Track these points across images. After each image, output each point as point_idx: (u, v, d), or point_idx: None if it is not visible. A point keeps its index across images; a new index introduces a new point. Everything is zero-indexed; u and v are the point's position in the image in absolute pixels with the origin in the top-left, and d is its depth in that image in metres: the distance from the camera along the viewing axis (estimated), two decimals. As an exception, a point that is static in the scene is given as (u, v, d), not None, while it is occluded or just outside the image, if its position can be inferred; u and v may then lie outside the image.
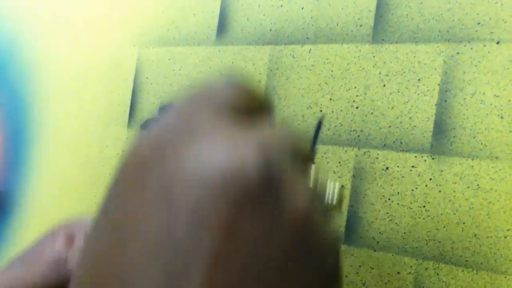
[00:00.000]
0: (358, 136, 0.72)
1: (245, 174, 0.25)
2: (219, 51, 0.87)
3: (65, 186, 1.02)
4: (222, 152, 0.25)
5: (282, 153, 0.28)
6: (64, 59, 1.07)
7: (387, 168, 0.70)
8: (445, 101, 0.67)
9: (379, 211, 0.70)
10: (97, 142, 0.99)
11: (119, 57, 0.99)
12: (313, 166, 0.34)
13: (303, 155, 0.31)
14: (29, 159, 1.08)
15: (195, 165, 0.25)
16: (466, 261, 0.63)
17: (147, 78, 0.95)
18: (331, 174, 0.73)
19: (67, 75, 1.06)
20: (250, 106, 0.32)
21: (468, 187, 0.64)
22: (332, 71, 0.76)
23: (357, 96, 0.73)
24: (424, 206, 0.67)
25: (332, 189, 0.35)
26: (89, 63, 1.03)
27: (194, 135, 0.26)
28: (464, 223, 0.64)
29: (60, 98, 1.06)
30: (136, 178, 0.26)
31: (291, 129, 0.31)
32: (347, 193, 0.72)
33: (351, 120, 0.73)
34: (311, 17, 0.79)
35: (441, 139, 0.67)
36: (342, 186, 0.35)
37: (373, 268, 0.69)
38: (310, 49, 0.78)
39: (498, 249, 0.62)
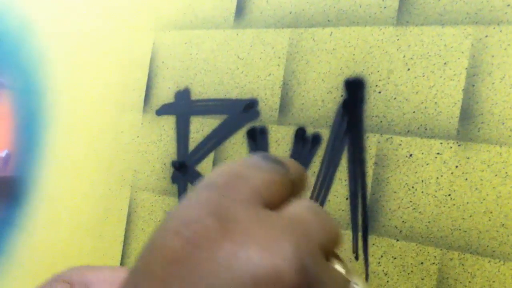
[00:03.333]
0: (381, 122, 0.70)
1: (282, 282, 0.23)
2: (237, 34, 0.85)
3: (78, 172, 1.00)
4: (256, 257, 0.23)
5: (316, 252, 0.26)
6: (78, 43, 1.06)
7: (410, 155, 0.68)
8: (473, 85, 0.65)
9: (402, 199, 0.67)
10: (112, 128, 0.98)
11: (135, 41, 0.97)
12: (337, 258, 0.33)
13: (332, 245, 0.29)
14: (42, 144, 1.06)
15: (226, 270, 0.23)
16: (493, 251, 0.61)
17: (163, 62, 0.93)
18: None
19: (81, 59, 1.04)
20: (286, 191, 0.30)
21: (496, 175, 0.62)
22: (354, 54, 0.74)
23: (380, 80, 0.71)
24: (449, 195, 0.64)
25: (356, 284, 0.33)
26: (104, 47, 1.02)
27: (227, 234, 0.24)
28: (491, 212, 0.62)
29: (74, 83, 1.05)
30: (162, 276, 0.24)
31: (323, 210, 0.29)
32: (369, 181, 0.70)
33: (374, 106, 0.71)
34: (333, -1, 0.76)
35: (468, 125, 0.64)
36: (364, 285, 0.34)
37: (395, 258, 0.67)
38: (331, 32, 0.76)
39: (527, 240, 0.59)
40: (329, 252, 0.29)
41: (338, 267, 0.32)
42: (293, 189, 0.31)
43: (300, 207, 0.29)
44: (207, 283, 0.23)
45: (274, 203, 0.29)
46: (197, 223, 0.25)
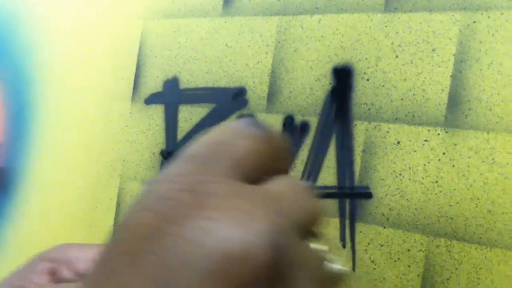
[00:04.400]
0: (369, 109, 0.70)
1: (251, 260, 0.22)
2: (226, 22, 0.84)
3: (68, 162, 1.00)
4: (230, 234, 0.23)
5: (291, 230, 0.26)
6: (67, 33, 1.05)
7: (398, 142, 0.67)
8: (460, 72, 0.64)
9: (390, 186, 0.67)
10: (101, 117, 0.97)
11: (124, 30, 0.97)
12: (316, 237, 0.32)
13: (311, 224, 0.29)
14: (32, 135, 1.06)
15: (199, 247, 0.22)
16: (480, 238, 0.61)
17: (151, 51, 0.92)
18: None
19: (70, 49, 1.04)
20: (268, 161, 0.29)
21: (483, 161, 0.62)
22: (342, 42, 0.73)
23: (368, 68, 0.71)
24: (436, 182, 0.64)
25: (334, 263, 0.33)
26: (93, 36, 1.01)
27: (202, 210, 0.24)
28: (478, 199, 0.61)
29: (63, 73, 1.04)
30: (134, 252, 0.23)
31: (306, 184, 0.29)
32: (357, 168, 0.70)
33: (362, 93, 0.70)
34: (321, -14, 0.76)
35: (456, 111, 0.64)
36: (344, 265, 0.33)
37: (382, 246, 0.67)
38: (320, 19, 0.75)
39: (514, 226, 0.59)
40: (308, 231, 0.29)
41: (317, 247, 0.31)
42: (276, 160, 0.30)
43: (281, 184, 0.28)
44: (179, 260, 0.23)
45: (255, 175, 0.28)
46: (171, 199, 0.24)
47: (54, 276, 0.47)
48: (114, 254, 0.24)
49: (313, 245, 0.30)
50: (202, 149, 0.28)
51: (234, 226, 0.23)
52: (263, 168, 0.29)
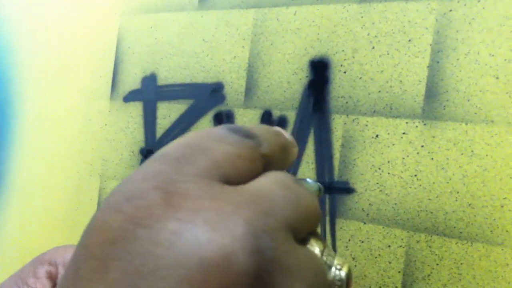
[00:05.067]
0: (347, 102, 0.68)
1: (230, 266, 0.20)
2: (202, 16, 0.82)
3: (49, 163, 0.98)
4: (204, 238, 0.21)
5: (278, 231, 0.23)
6: (44, 31, 1.03)
7: (377, 136, 0.66)
8: (437, 62, 0.63)
9: (369, 181, 0.66)
10: (81, 116, 0.95)
11: (101, 26, 0.95)
12: (317, 240, 0.29)
13: (307, 225, 0.26)
14: (11, 134, 1.04)
15: (169, 252, 0.20)
16: (460, 232, 0.60)
17: (129, 47, 0.90)
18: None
19: (48, 46, 1.02)
20: (254, 166, 0.27)
21: (462, 153, 0.60)
22: (318, 34, 0.71)
23: (345, 60, 0.69)
24: (415, 175, 0.63)
25: (339, 269, 0.30)
26: (71, 33, 0.99)
27: (173, 211, 0.22)
28: (457, 192, 0.60)
29: (41, 72, 1.02)
30: (101, 257, 0.21)
31: (297, 187, 0.26)
32: (336, 163, 0.68)
33: (339, 86, 0.69)
34: (296, -23, 0.74)
35: (433, 103, 0.63)
36: (350, 270, 0.30)
37: (363, 242, 0.65)
38: (295, 11, 0.74)
39: (494, 219, 0.58)
40: (303, 233, 0.26)
41: (316, 249, 0.28)
42: (267, 164, 0.28)
43: (268, 180, 0.26)
44: (149, 267, 0.21)
45: (238, 179, 0.26)
46: (140, 199, 0.23)
47: (53, 280, 0.45)
48: (82, 259, 0.22)
49: (310, 248, 0.28)
50: (178, 149, 0.26)
51: (210, 228, 0.21)
52: (248, 171, 0.27)
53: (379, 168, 0.65)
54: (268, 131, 0.32)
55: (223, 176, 0.25)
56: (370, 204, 0.65)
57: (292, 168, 0.71)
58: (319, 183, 0.43)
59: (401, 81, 0.65)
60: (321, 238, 0.30)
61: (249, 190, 0.24)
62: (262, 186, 0.25)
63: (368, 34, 0.68)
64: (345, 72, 0.69)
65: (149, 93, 0.87)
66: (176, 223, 0.21)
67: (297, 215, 0.25)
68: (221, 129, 0.28)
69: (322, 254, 0.28)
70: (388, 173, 0.64)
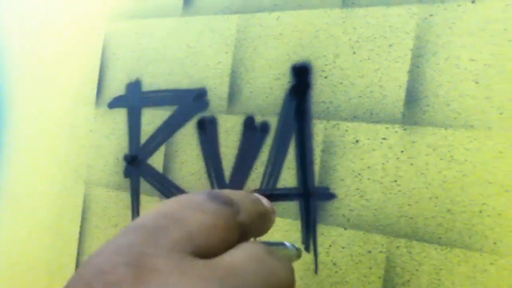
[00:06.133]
0: (328, 107, 0.68)
1: None
2: (186, 22, 0.82)
3: (35, 169, 0.98)
4: None
5: None
6: (31, 36, 1.03)
7: (357, 141, 0.65)
8: (418, 67, 0.62)
9: (350, 187, 0.65)
10: (67, 123, 0.95)
11: (88, 33, 0.95)
12: None
13: None
14: (-1, 141, 1.04)
15: None
16: (440, 238, 0.59)
17: (114, 54, 0.90)
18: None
19: (34, 52, 1.02)
20: (230, 236, 0.26)
21: (442, 158, 0.60)
22: (300, 39, 0.71)
23: (326, 65, 0.69)
24: (395, 181, 0.62)
25: None
26: (58, 39, 0.99)
27: (140, 281, 0.22)
28: (437, 198, 0.59)
29: (28, 77, 1.02)
30: None
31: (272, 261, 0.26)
32: (317, 169, 0.68)
33: (320, 91, 0.69)
34: (279, -17, 0.74)
35: (413, 108, 0.62)
36: None
37: (344, 248, 0.65)
38: (278, 17, 0.73)
39: (473, 225, 0.57)
40: None
41: None
42: (244, 232, 0.28)
43: (242, 254, 0.26)
44: None
45: (212, 250, 0.26)
46: (110, 274, 0.23)
47: None
48: None
49: None
50: (153, 221, 0.26)
51: None
52: (223, 242, 0.26)
53: (359, 174, 0.65)
54: (247, 198, 0.32)
55: (197, 248, 0.25)
56: (350, 209, 0.65)
57: (274, 174, 0.70)
58: (296, 246, 0.43)
59: (381, 86, 0.64)
60: None
61: (221, 265, 0.24)
62: (234, 261, 0.25)
63: (350, 39, 0.67)
64: (326, 77, 0.68)
65: (134, 99, 0.86)
66: None
67: None
68: (201, 195, 0.28)
69: None
70: (369, 179, 0.64)
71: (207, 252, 0.25)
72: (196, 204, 0.27)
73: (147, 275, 0.22)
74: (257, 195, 0.36)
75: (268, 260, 0.26)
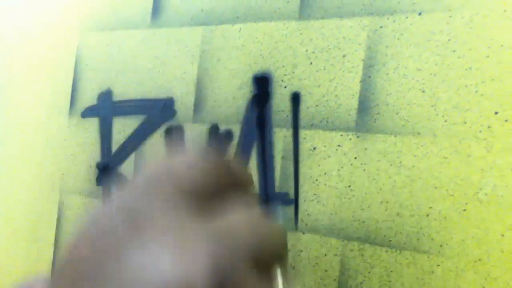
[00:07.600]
0: (287, 116, 0.70)
1: None
2: (154, 34, 0.85)
3: (11, 177, 1.00)
4: (167, 264, 0.22)
5: (239, 261, 0.24)
6: (5, 48, 1.05)
7: (314, 148, 0.68)
8: (369, 77, 0.65)
9: (307, 192, 0.68)
10: (42, 132, 0.97)
11: (61, 44, 0.97)
12: (280, 271, 0.30)
13: (269, 255, 0.27)
14: (-23, 151, 1.06)
15: (134, 284, 0.21)
16: (390, 241, 0.62)
17: (86, 64, 0.92)
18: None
19: (9, 64, 1.04)
20: (216, 189, 0.27)
21: (391, 164, 0.62)
22: (261, 50, 0.74)
23: (285, 75, 0.71)
24: (349, 186, 0.65)
25: None
26: (31, 51, 1.01)
27: (138, 244, 0.23)
28: (387, 202, 0.62)
29: (2, 89, 1.04)
30: (70, 284, 0.23)
31: (264, 215, 0.27)
32: (277, 175, 0.70)
33: (280, 100, 0.71)
34: (240, -5, 0.76)
35: (365, 116, 0.65)
36: None
37: (301, 251, 0.67)
38: (240, 28, 0.76)
39: (421, 228, 0.60)
40: (268, 266, 0.27)
41: (279, 283, 0.29)
42: (230, 184, 0.29)
43: (237, 215, 0.27)
44: None
45: (206, 201, 0.26)
46: (111, 232, 0.23)
47: None
48: (55, 282, 0.24)
49: (273, 282, 0.28)
50: (148, 176, 0.27)
51: (174, 260, 0.22)
52: (214, 193, 0.27)
53: (317, 180, 0.67)
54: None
55: (193, 199, 0.26)
56: (308, 214, 0.67)
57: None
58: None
59: (336, 95, 0.67)
60: (286, 272, 0.30)
61: (217, 221, 0.25)
62: (231, 218, 0.26)
63: (306, 50, 0.70)
64: (285, 87, 0.71)
65: (105, 108, 0.89)
66: (142, 253, 0.22)
67: (261, 251, 0.26)
68: (191, 152, 0.29)
69: None
70: (325, 184, 0.67)
71: (203, 203, 0.26)
72: (186, 159, 0.28)
73: (148, 232, 0.23)
74: None
75: (263, 224, 0.27)
